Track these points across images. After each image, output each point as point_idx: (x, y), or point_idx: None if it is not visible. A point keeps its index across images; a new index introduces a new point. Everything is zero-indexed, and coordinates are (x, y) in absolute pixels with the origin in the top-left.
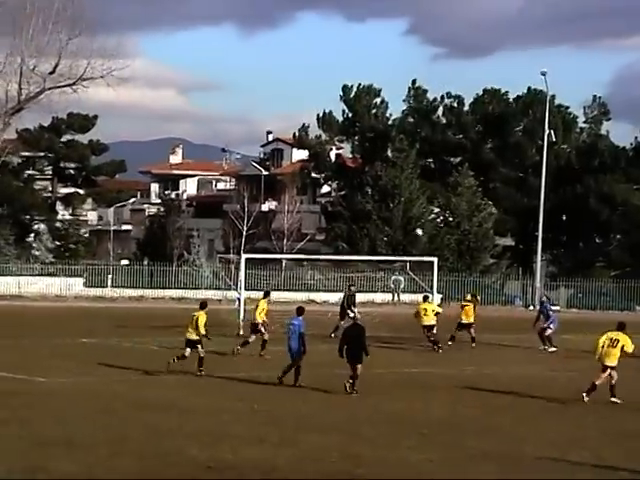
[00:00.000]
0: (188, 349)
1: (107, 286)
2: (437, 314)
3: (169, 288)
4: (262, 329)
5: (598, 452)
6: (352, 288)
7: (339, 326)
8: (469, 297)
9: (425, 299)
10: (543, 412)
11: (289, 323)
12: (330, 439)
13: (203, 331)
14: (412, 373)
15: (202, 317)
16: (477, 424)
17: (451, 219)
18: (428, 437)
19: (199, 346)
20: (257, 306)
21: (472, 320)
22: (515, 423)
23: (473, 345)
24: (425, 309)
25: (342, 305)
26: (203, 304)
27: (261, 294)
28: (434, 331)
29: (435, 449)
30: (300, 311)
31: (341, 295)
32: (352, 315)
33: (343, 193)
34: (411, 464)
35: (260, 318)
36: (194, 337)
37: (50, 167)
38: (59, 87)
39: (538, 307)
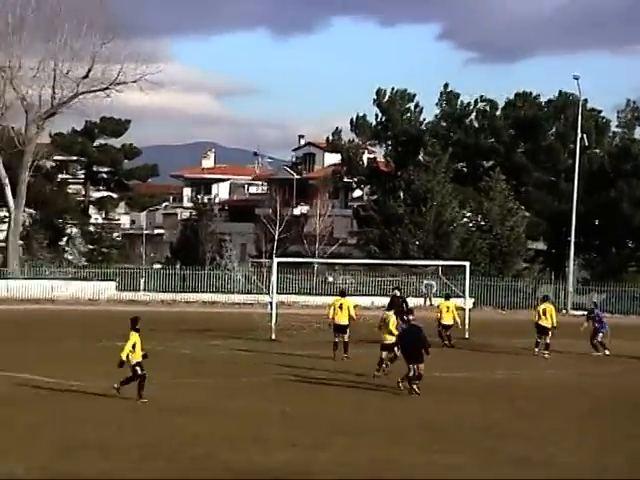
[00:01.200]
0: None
1: (140, 290)
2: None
3: (201, 292)
4: (348, 331)
5: (634, 458)
6: (397, 292)
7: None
8: (547, 302)
9: (447, 297)
10: (576, 416)
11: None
12: (362, 442)
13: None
14: (443, 377)
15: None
16: (508, 428)
17: (483, 223)
18: (460, 441)
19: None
20: (342, 306)
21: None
22: (547, 427)
23: (544, 353)
24: (447, 307)
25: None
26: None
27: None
28: (449, 332)
29: (466, 453)
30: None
31: (385, 299)
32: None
33: (375, 197)
34: (441, 468)
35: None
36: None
37: (83, 171)
38: (92, 91)
39: (586, 313)
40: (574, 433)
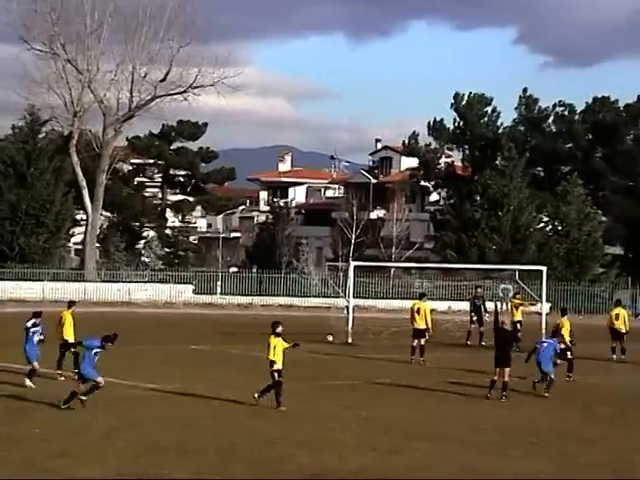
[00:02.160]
0: None
1: (216, 293)
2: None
3: (278, 295)
4: (426, 335)
5: None
6: (479, 290)
7: (471, 331)
8: (620, 306)
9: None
10: None
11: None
12: (439, 448)
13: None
14: (516, 381)
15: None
16: (586, 433)
17: (560, 228)
18: (538, 446)
19: None
20: (419, 310)
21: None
22: (624, 432)
23: (623, 357)
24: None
25: (471, 310)
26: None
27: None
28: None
29: (546, 459)
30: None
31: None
32: (475, 318)
33: (452, 201)
34: (522, 474)
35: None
36: None
37: (160, 174)
38: (170, 95)
39: None
40: None
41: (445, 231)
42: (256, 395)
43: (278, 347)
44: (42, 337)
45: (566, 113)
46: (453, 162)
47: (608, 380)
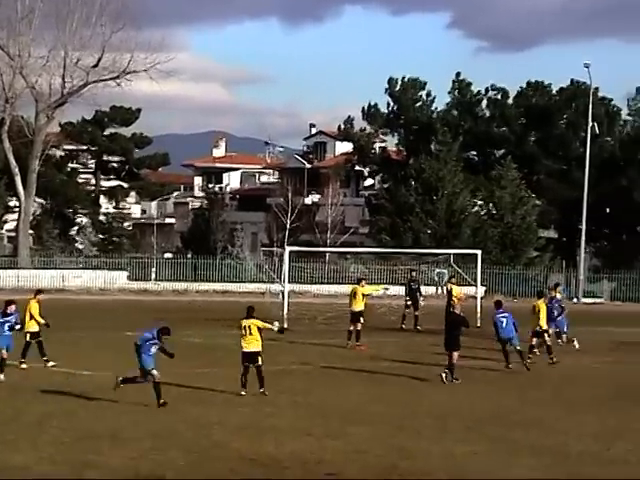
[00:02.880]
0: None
1: (151, 279)
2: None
3: (213, 281)
4: (361, 318)
5: None
6: (414, 274)
7: (405, 315)
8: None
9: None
10: (585, 404)
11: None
12: (375, 432)
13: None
14: (457, 365)
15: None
16: (521, 416)
17: (494, 212)
18: (473, 430)
19: None
20: (355, 294)
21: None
22: (558, 415)
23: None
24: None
25: (406, 294)
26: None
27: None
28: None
29: (480, 442)
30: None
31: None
32: (410, 302)
33: (387, 186)
34: (456, 456)
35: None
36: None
37: (93, 160)
38: (102, 80)
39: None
40: (585, 421)
41: (380, 216)
42: (242, 392)
43: (254, 331)
44: (17, 326)
45: (499, 97)
46: (387, 147)
47: (542, 363)
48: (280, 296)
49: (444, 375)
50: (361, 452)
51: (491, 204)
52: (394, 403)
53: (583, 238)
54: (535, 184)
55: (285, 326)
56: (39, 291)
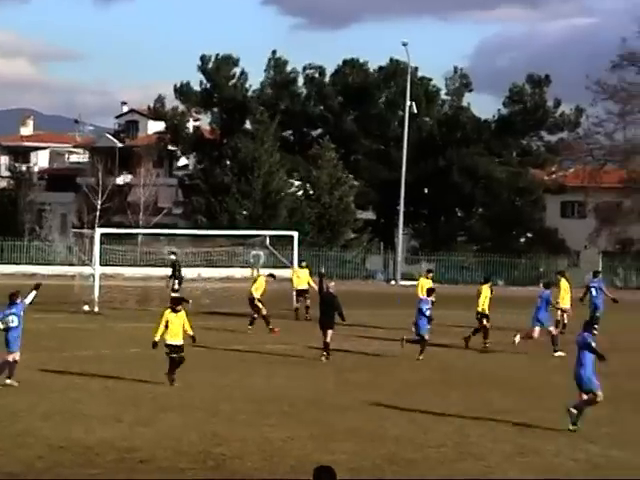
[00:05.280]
0: None
1: None
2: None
3: (20, 264)
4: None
5: (461, 428)
6: (172, 257)
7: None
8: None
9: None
10: (405, 388)
11: None
12: (189, 418)
13: None
14: (275, 349)
15: None
16: (339, 400)
17: (312, 192)
18: (290, 414)
19: None
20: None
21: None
22: (375, 398)
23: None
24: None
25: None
26: None
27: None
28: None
29: (297, 426)
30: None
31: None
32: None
33: (201, 166)
34: (271, 442)
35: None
36: None
37: None
38: None
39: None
40: (400, 405)
41: (195, 196)
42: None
43: (177, 321)
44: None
45: (317, 76)
46: (200, 126)
47: (362, 346)
48: (91, 279)
49: (323, 358)
50: (174, 439)
51: (308, 184)
52: (207, 388)
53: (401, 219)
54: (353, 164)
55: (97, 309)
56: None
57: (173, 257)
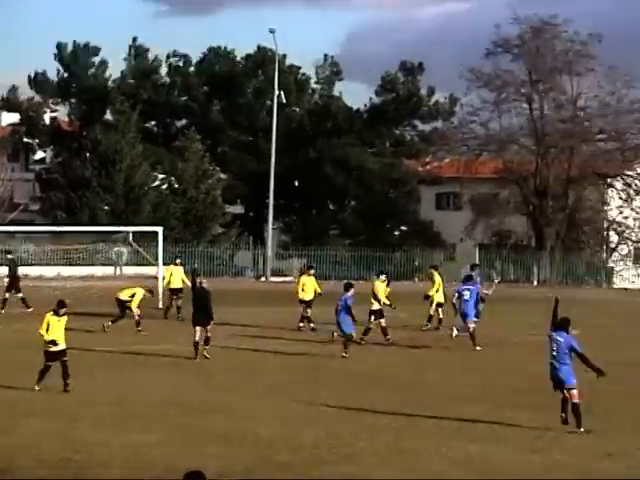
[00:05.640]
0: None
1: None
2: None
3: None
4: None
5: (330, 427)
6: (9, 256)
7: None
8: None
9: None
10: (273, 389)
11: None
12: (50, 423)
13: None
14: (142, 349)
15: None
16: (206, 403)
17: (177, 186)
18: (157, 418)
19: None
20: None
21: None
22: (245, 402)
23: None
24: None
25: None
26: None
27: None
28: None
29: (162, 430)
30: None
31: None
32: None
33: (60, 159)
34: (138, 447)
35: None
36: None
37: None
38: None
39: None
40: (273, 406)
41: (53, 191)
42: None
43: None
44: None
45: (181, 64)
46: (58, 117)
47: (235, 345)
48: None
49: (205, 353)
50: (33, 446)
51: (173, 178)
52: (71, 392)
53: (271, 213)
54: (220, 156)
55: None
56: None
57: (10, 256)
